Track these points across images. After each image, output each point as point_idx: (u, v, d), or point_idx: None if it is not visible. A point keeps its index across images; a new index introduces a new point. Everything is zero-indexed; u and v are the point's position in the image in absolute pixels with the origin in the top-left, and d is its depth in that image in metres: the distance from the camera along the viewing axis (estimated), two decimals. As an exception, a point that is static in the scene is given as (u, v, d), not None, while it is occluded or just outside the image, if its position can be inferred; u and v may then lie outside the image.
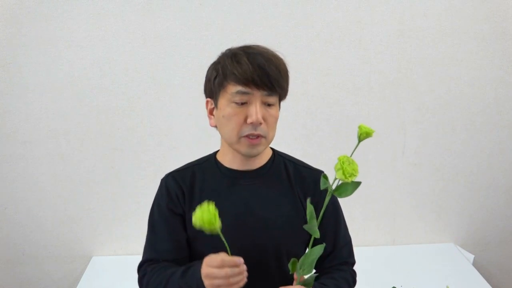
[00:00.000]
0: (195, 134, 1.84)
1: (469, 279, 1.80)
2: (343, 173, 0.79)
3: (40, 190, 1.90)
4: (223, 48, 1.02)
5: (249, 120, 0.94)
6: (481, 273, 1.84)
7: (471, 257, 2.00)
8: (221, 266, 0.85)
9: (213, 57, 1.03)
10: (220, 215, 0.83)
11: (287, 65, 0.99)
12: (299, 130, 1.89)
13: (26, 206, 1.91)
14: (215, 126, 1.03)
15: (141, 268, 1.06)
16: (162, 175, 1.11)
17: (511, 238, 2.12)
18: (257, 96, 0.94)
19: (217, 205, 0.83)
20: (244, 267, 0.86)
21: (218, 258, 0.86)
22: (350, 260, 1.13)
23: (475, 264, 1.99)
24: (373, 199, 2.02)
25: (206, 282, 0.87)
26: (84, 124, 1.83)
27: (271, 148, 1.14)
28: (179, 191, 1.05)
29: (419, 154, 1.97)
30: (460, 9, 1.79)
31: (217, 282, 0.85)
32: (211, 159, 1.10)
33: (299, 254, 1.08)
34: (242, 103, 0.94)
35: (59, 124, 1.82)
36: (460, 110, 1.92)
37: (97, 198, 1.93)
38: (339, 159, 0.80)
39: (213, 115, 1.03)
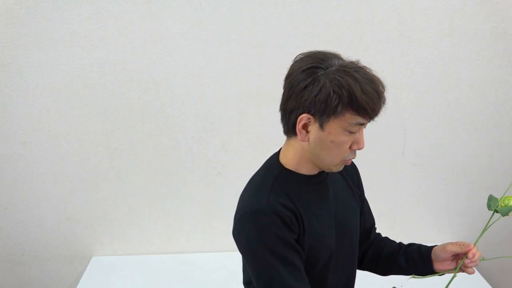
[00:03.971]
0: (195, 134, 1.84)
1: (470, 279, 1.79)
2: None
3: (40, 190, 1.90)
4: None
5: (355, 147, 0.96)
6: (481, 273, 1.83)
7: (471, 257, 1.99)
8: None
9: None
10: (319, 222, 0.87)
11: None
12: (299, 130, 1.89)
13: (26, 206, 1.91)
14: (306, 141, 0.96)
15: None
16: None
17: (511, 238, 2.12)
18: (365, 124, 0.96)
19: (315, 213, 0.85)
20: None
21: None
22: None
23: (475, 264, 1.99)
24: (373, 199, 2.01)
25: None
26: (84, 124, 1.83)
27: None
28: (290, 213, 0.96)
29: (419, 154, 1.96)
30: (460, 9, 1.79)
31: None
32: (283, 171, 1.02)
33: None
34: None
35: (59, 124, 1.82)
36: (460, 110, 1.91)
37: (97, 198, 1.92)
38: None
39: (308, 131, 0.94)
